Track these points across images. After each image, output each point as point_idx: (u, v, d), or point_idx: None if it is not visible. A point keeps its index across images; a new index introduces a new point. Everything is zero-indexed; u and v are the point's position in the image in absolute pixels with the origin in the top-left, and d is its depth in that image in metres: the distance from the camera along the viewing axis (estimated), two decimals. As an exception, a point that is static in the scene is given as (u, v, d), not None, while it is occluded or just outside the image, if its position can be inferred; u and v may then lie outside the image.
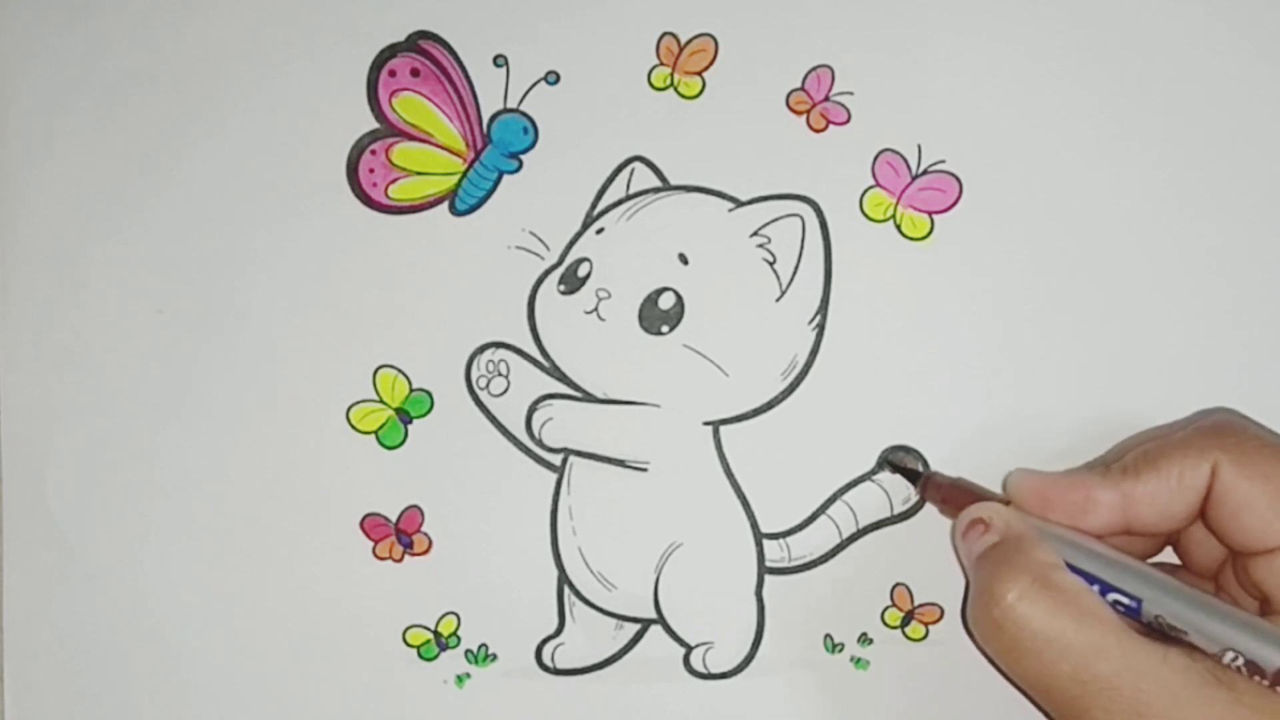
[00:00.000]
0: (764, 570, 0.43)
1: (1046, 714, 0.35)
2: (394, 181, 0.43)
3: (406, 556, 0.43)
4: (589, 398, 0.43)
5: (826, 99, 0.43)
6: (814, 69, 0.43)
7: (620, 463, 0.43)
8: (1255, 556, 0.36)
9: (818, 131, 0.43)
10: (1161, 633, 0.34)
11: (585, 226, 0.43)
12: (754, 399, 0.43)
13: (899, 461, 0.42)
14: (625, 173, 0.43)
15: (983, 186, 0.42)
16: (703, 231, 0.43)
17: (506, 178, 0.43)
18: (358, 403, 0.43)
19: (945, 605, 0.42)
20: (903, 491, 0.42)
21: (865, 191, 0.43)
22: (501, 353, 0.43)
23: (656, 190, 0.43)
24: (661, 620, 0.43)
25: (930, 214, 0.43)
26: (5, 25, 0.44)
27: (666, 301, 0.42)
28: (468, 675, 0.43)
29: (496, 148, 0.43)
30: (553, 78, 0.43)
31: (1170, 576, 0.35)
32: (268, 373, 0.43)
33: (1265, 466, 0.35)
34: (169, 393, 0.43)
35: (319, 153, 0.43)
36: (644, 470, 0.43)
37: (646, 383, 0.43)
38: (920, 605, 0.42)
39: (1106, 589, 0.35)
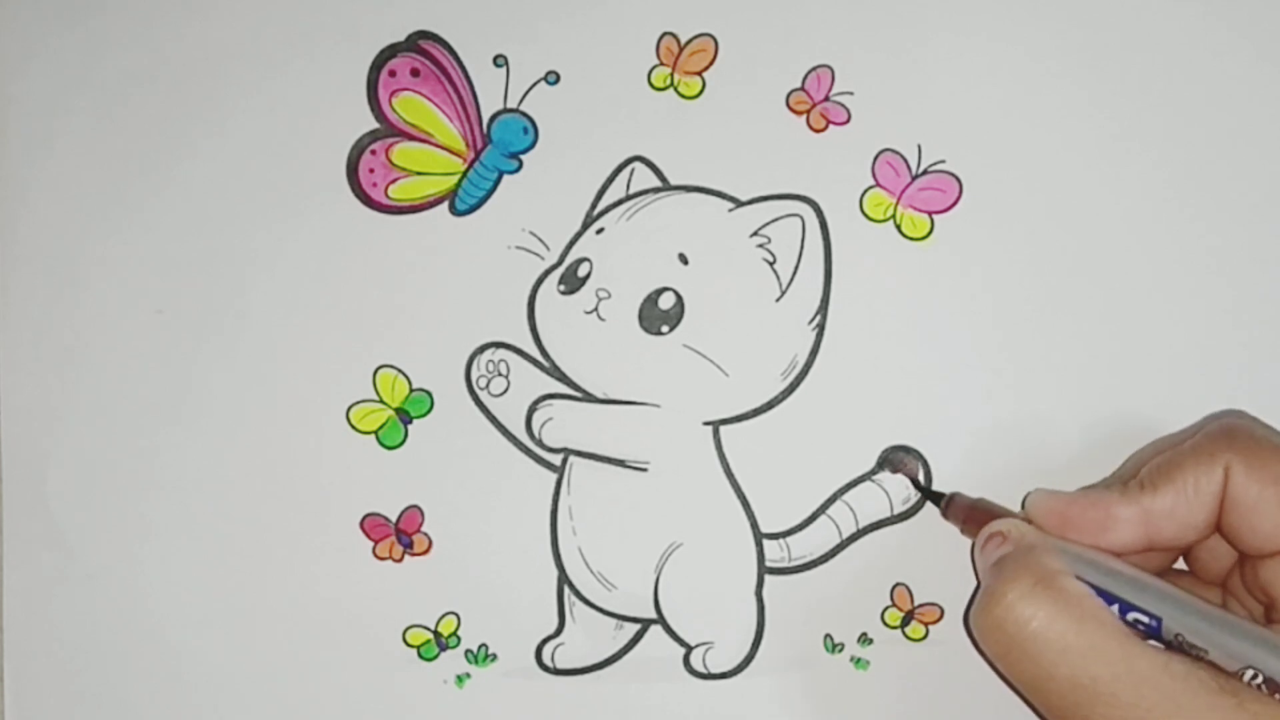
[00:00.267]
0: (764, 570, 0.43)
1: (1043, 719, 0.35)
2: (394, 181, 0.43)
3: (406, 556, 0.43)
4: (589, 398, 0.43)
5: (826, 99, 0.43)
6: (814, 69, 0.43)
7: (620, 463, 0.43)
8: (1264, 559, 0.36)
9: (818, 131, 0.43)
10: (1181, 650, 0.34)
11: (585, 226, 0.43)
12: (754, 399, 0.43)
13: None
14: (625, 173, 0.43)
15: (983, 186, 0.42)
16: (703, 231, 0.43)
17: (506, 178, 0.43)
18: (358, 403, 0.43)
19: (945, 605, 0.42)
20: (903, 492, 0.42)
21: (865, 191, 0.43)
22: (501, 353, 0.43)
23: (656, 190, 0.43)
24: (661, 620, 0.43)
25: (930, 214, 0.43)
26: (5, 25, 0.44)
27: (666, 301, 0.42)
28: (468, 675, 0.43)
29: (496, 148, 0.43)
30: (553, 78, 0.43)
31: (1190, 594, 0.35)
32: (268, 373, 0.43)
33: (1275, 469, 0.35)
34: (169, 393, 0.43)
35: (319, 153, 0.43)
36: (644, 470, 0.43)
37: (646, 383, 0.43)
38: (920, 605, 0.42)
39: (1127, 608, 0.34)
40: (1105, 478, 0.40)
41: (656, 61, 0.43)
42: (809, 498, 0.43)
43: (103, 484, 0.43)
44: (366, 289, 0.43)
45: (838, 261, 0.42)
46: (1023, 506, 0.38)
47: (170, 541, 0.43)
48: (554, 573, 0.43)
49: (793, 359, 0.42)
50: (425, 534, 0.43)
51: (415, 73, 0.43)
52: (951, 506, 0.40)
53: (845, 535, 0.43)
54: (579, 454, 0.43)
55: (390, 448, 0.43)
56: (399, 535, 0.43)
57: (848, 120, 0.43)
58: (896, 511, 0.42)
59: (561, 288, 0.43)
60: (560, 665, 0.43)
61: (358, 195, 0.43)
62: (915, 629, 0.43)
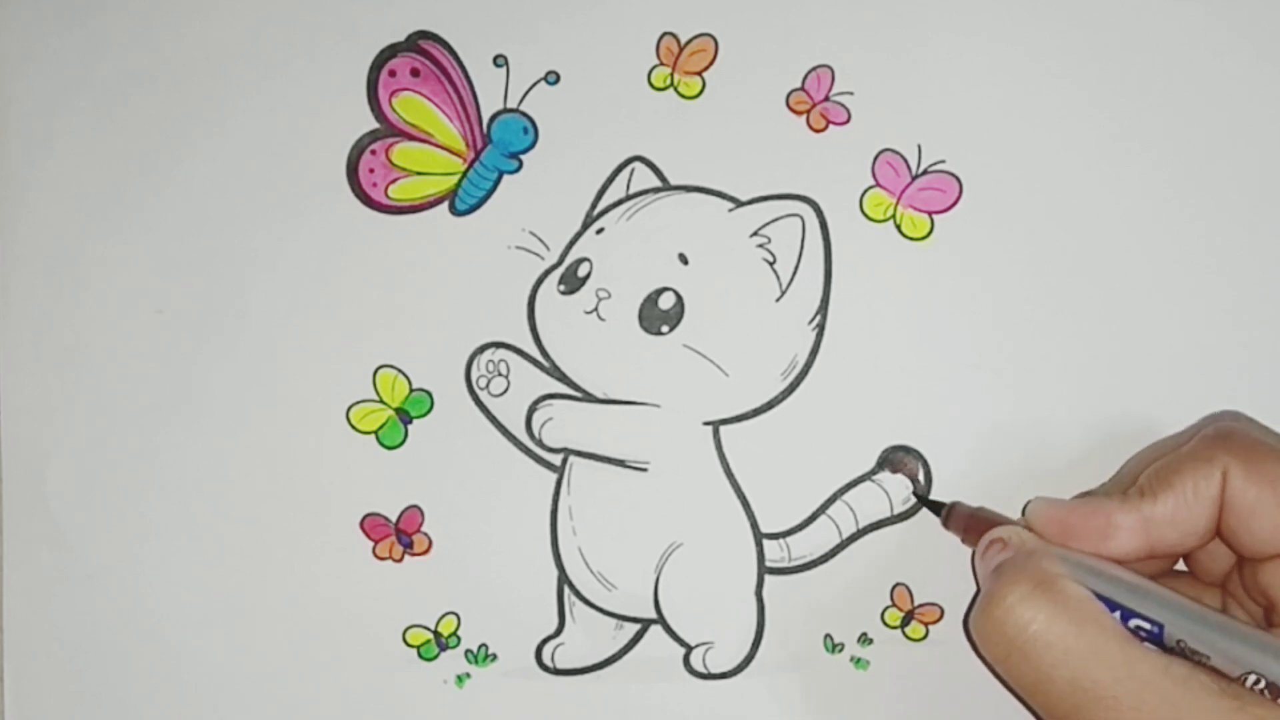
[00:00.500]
0: (764, 570, 0.43)
1: None
2: (394, 181, 0.43)
3: (406, 556, 0.43)
4: (589, 398, 0.43)
5: (826, 99, 0.43)
6: (814, 69, 0.43)
7: (620, 463, 0.43)
8: (1263, 562, 0.36)
9: (818, 131, 0.43)
10: (1183, 656, 0.34)
11: (585, 226, 0.43)
12: (754, 399, 0.43)
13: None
14: (625, 173, 0.43)
15: (983, 186, 0.42)
16: (703, 231, 0.43)
17: (506, 178, 0.43)
18: (358, 403, 0.43)
19: (945, 605, 0.42)
20: (903, 492, 0.42)
21: (865, 191, 0.43)
22: (501, 353, 0.43)
23: (656, 190, 0.43)
24: (661, 620, 0.43)
25: (930, 214, 0.43)
26: (5, 25, 0.44)
27: (666, 301, 0.42)
28: (468, 675, 0.43)
29: (496, 148, 0.43)
30: (553, 78, 0.43)
31: (1191, 599, 0.35)
32: (268, 373, 0.43)
33: (1272, 471, 0.35)
34: (169, 393, 0.43)
35: (319, 153, 0.43)
36: (644, 470, 0.43)
37: (646, 383, 0.43)
38: (920, 605, 0.42)
39: (1129, 615, 0.34)
40: (1103, 484, 0.39)
41: (656, 61, 0.43)
42: (809, 498, 0.43)
43: (103, 484, 0.43)
44: (366, 289, 0.43)
45: (838, 261, 0.42)
46: (1023, 514, 0.38)
47: (170, 541, 0.43)
48: (554, 573, 0.43)
49: (793, 359, 0.42)
50: (425, 534, 0.43)
51: (415, 73, 0.43)
52: (952, 516, 0.40)
53: (845, 535, 0.43)
54: (579, 454, 0.43)
55: (390, 448, 0.43)
56: (399, 535, 0.43)
57: (848, 120, 0.43)
58: (896, 511, 0.42)
59: (561, 288, 0.43)
60: (560, 665, 0.43)
61: (358, 195, 0.43)
62: (915, 629, 0.43)
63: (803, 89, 0.43)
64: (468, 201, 0.43)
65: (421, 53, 0.43)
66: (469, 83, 0.43)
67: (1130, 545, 0.36)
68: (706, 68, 0.43)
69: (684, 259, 0.43)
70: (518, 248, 0.43)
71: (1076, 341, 0.42)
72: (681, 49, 0.43)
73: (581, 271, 0.43)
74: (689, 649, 0.43)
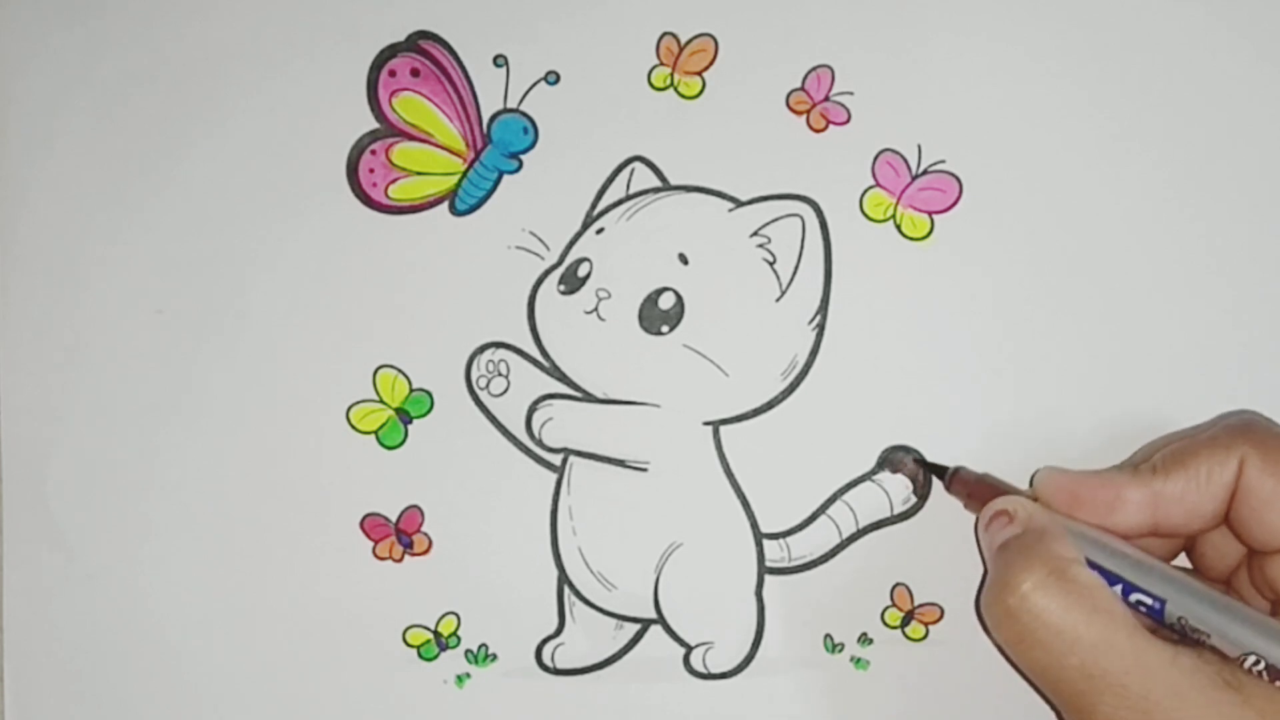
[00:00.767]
0: (764, 570, 0.43)
1: (1053, 706, 0.35)
2: (394, 181, 0.43)
3: (406, 556, 0.43)
4: (589, 398, 0.43)
5: (826, 99, 0.43)
6: (814, 69, 0.43)
7: (620, 463, 0.43)
8: (1272, 555, 0.36)
9: (818, 131, 0.43)
10: (1183, 634, 0.34)
11: (585, 226, 0.43)
12: (754, 399, 0.43)
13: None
14: (625, 173, 0.43)
15: (983, 186, 0.42)
16: (703, 231, 0.43)
17: (506, 178, 0.43)
18: (358, 403, 0.43)
19: (945, 605, 0.42)
20: (903, 492, 0.42)
21: (865, 191, 0.43)
22: (501, 353, 0.43)
23: (656, 190, 0.43)
24: (661, 620, 0.43)
25: (930, 214, 0.43)
26: (5, 25, 0.44)
27: (666, 301, 0.42)
28: (468, 675, 0.43)
29: (496, 148, 0.43)
30: (553, 78, 0.43)
31: (1194, 579, 0.35)
32: (268, 373, 0.43)
33: None
34: (169, 393, 0.43)
35: (319, 153, 0.43)
36: (644, 470, 0.43)
37: (646, 383, 0.43)
38: (920, 605, 0.42)
39: (1130, 589, 0.34)
40: (1115, 465, 0.39)
41: (656, 61, 0.43)
42: (809, 498, 0.43)
43: (103, 484, 0.43)
44: (366, 289, 0.43)
45: (838, 261, 0.42)
46: (1030, 484, 0.38)
47: (170, 541, 0.43)
48: (554, 573, 0.43)
49: (793, 359, 0.42)
50: (425, 534, 0.43)
51: (415, 73, 0.43)
52: (956, 480, 0.40)
53: (845, 535, 0.43)
54: (579, 454, 0.43)
55: (390, 448, 0.43)
56: (399, 535, 0.43)
57: (848, 120, 0.43)
58: (896, 511, 0.42)
59: (561, 288, 0.43)
60: (560, 665, 0.43)
61: (358, 195, 0.43)
62: (915, 629, 0.43)
63: (803, 89, 0.43)
64: (468, 201, 0.43)
65: (421, 53, 0.43)
66: (469, 83, 0.43)
67: (1137, 520, 0.36)
68: (706, 68, 0.43)
69: (684, 259, 0.43)
70: (518, 248, 0.43)
71: (1077, 341, 0.42)
72: (681, 49, 0.43)
73: (581, 271, 0.43)
74: (689, 649, 0.43)
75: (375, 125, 0.43)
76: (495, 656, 0.43)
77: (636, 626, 0.43)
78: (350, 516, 0.43)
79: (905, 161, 0.43)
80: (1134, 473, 0.37)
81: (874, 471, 0.43)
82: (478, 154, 0.43)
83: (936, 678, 0.42)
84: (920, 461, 0.42)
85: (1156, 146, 0.42)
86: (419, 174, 0.43)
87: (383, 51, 0.43)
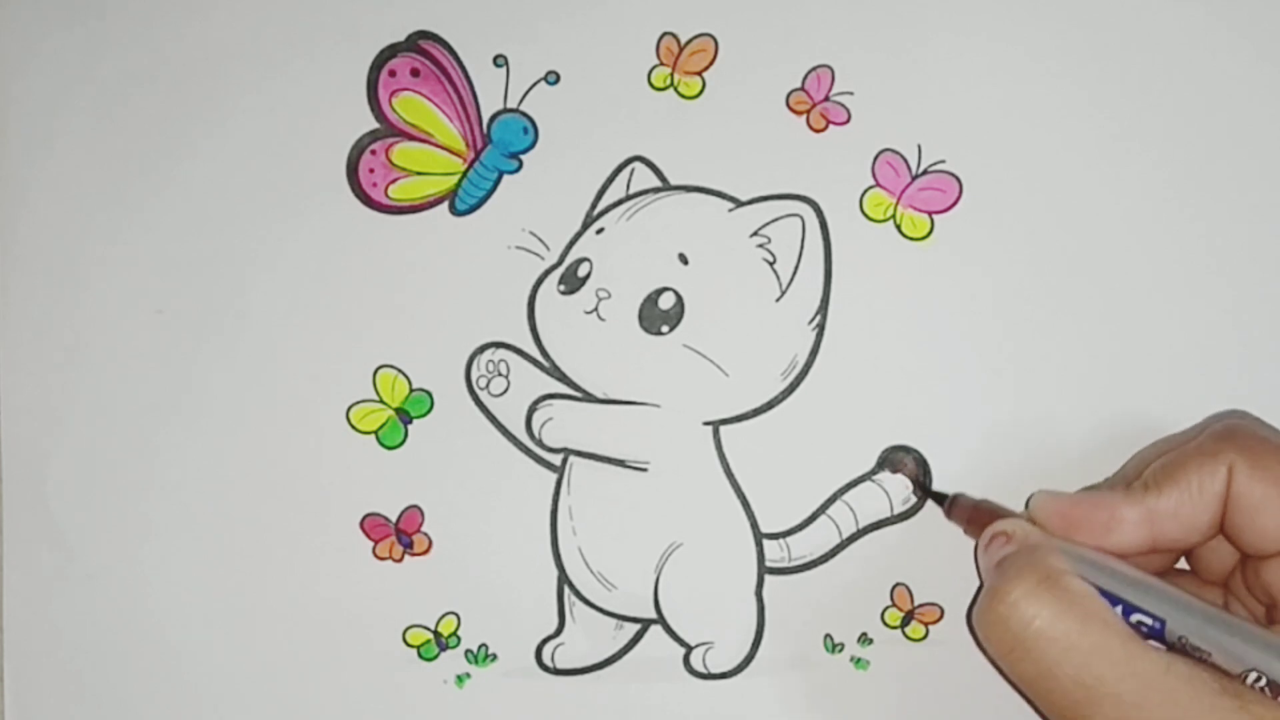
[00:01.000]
0: (764, 570, 0.43)
1: (1045, 718, 0.35)
2: (394, 181, 0.43)
3: (406, 556, 0.43)
4: (589, 398, 0.43)
5: (826, 99, 0.43)
6: (814, 69, 0.43)
7: (620, 463, 0.43)
8: (1266, 560, 0.36)
9: (818, 131, 0.43)
10: (1184, 653, 0.34)
11: (585, 226, 0.43)
12: (754, 399, 0.43)
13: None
14: (625, 173, 0.43)
15: (983, 186, 0.42)
16: (703, 231, 0.43)
17: (506, 178, 0.43)
18: (358, 403, 0.43)
19: (945, 605, 0.42)
20: (903, 492, 0.42)
21: (865, 191, 0.43)
22: (501, 353, 0.43)
23: (656, 190, 0.43)
24: (661, 620, 0.43)
25: (930, 214, 0.43)
26: (5, 25, 0.44)
27: (666, 301, 0.42)
28: (468, 675, 0.43)
29: (496, 148, 0.43)
30: (553, 78, 0.43)
31: (1193, 596, 0.35)
32: (268, 373, 0.43)
33: (1278, 469, 0.35)
34: (169, 393, 0.43)
35: (319, 153, 0.43)
36: (644, 470, 0.43)
37: (646, 383, 0.43)
38: (920, 605, 0.42)
39: (1131, 610, 0.34)
40: (1108, 478, 0.39)
41: (656, 61, 0.43)
42: (809, 498, 0.43)
43: (103, 484, 0.43)
44: (366, 289, 0.43)
45: (838, 261, 0.42)
46: (1026, 507, 0.38)
47: (170, 541, 0.43)
48: (554, 573, 0.43)
49: (793, 359, 0.42)
50: (425, 534, 0.43)
51: (415, 73, 0.43)
52: (955, 507, 0.40)
53: (845, 535, 0.43)
54: (579, 454, 0.43)
55: (390, 448, 0.43)
56: (399, 535, 0.43)
57: (848, 120, 0.43)
58: (896, 511, 0.42)
59: (561, 288, 0.43)
60: (560, 665, 0.43)
61: (358, 195, 0.43)
62: (915, 629, 0.43)
63: (803, 89, 0.43)
64: (468, 201, 0.43)
65: (421, 53, 0.43)
66: (469, 83, 0.43)
67: (1134, 539, 0.36)
68: (706, 68, 0.43)
69: (684, 259, 0.43)
70: (518, 248, 0.43)
71: (1077, 341, 0.42)
72: (681, 49, 0.43)
73: (581, 271, 0.43)
74: (689, 649, 0.43)
75: (375, 125, 0.43)
76: (495, 656, 0.43)
77: (636, 626, 0.43)
78: (350, 516, 0.43)
79: (905, 161, 0.43)
80: (1127, 492, 0.37)
81: (874, 471, 0.43)
82: (478, 154, 0.43)
83: (936, 678, 0.42)
84: (920, 485, 0.42)
85: (1156, 146, 0.42)
86: (419, 174, 0.43)
87: (383, 51, 0.43)
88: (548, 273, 0.43)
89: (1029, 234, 0.42)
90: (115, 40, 0.43)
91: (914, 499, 0.42)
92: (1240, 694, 0.32)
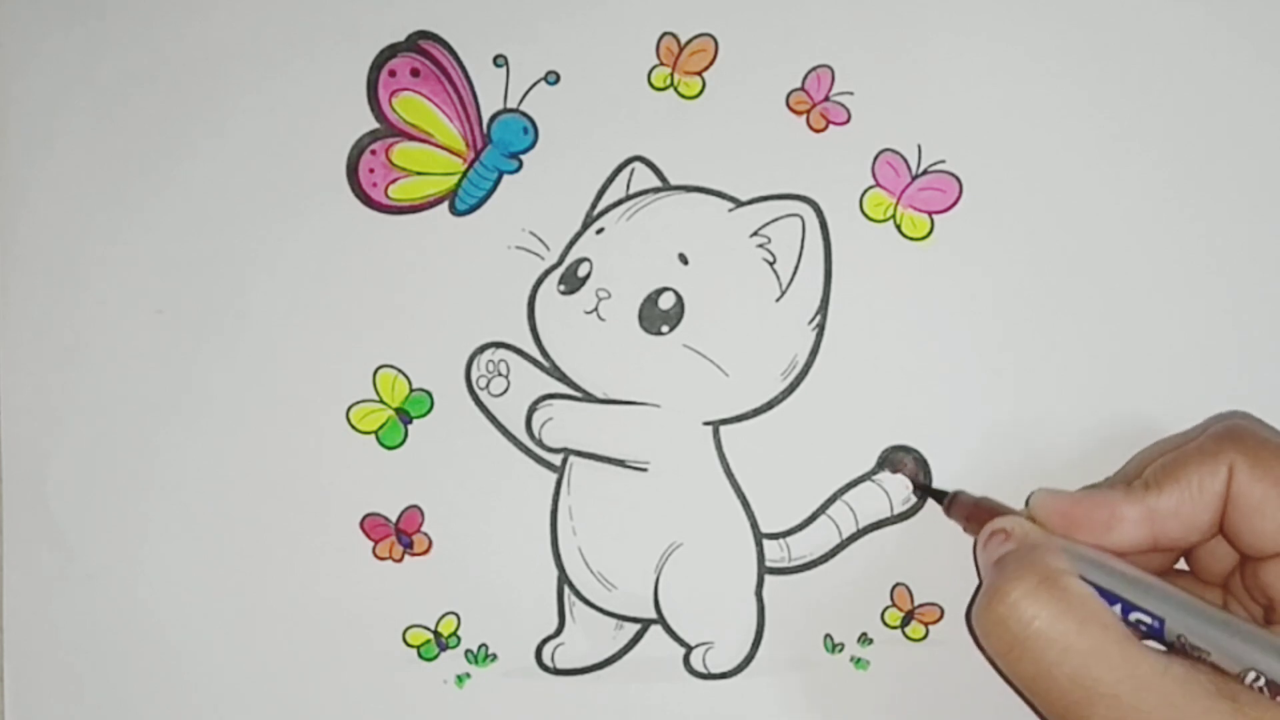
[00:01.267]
0: (764, 570, 0.43)
1: (1044, 718, 0.35)
2: (394, 181, 0.43)
3: (406, 556, 0.43)
4: (589, 398, 0.43)
5: (826, 99, 0.43)
6: (814, 69, 0.43)
7: (620, 463, 0.43)
8: (1265, 561, 0.36)
9: (818, 131, 0.43)
10: (1183, 652, 0.34)
11: (585, 226, 0.43)
12: (754, 399, 0.43)
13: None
14: (625, 173, 0.43)
15: (983, 186, 0.42)
16: (703, 231, 0.43)
17: (506, 178, 0.43)
18: (358, 403, 0.43)
19: (945, 605, 0.42)
20: (903, 492, 0.42)
21: (865, 191, 0.43)
22: (501, 353, 0.43)
23: (656, 190, 0.43)
24: (661, 620, 0.43)
25: (930, 214, 0.43)
26: (5, 25, 0.44)
27: (666, 301, 0.42)
28: (468, 675, 0.43)
29: (496, 148, 0.43)
30: (553, 78, 0.43)
31: (1193, 596, 0.35)
32: (268, 373, 0.43)
33: (1278, 470, 0.35)
34: (169, 393, 0.43)
35: (319, 153, 0.43)
36: (644, 470, 0.43)
37: (646, 383, 0.43)
38: (920, 605, 0.42)
39: (1129, 608, 0.34)
40: (1108, 478, 0.40)
41: (656, 61, 0.43)
42: (809, 498, 0.43)
43: (103, 484, 0.43)
44: (366, 289, 0.43)
45: (838, 261, 0.42)
46: (1026, 505, 0.38)
47: (170, 541, 0.43)
48: (554, 573, 0.43)
49: (793, 359, 0.42)
50: (425, 534, 0.43)
51: (415, 73, 0.43)
52: (955, 504, 0.40)
53: (845, 535, 0.43)
54: (579, 454, 0.43)
55: (390, 448, 0.43)
56: (399, 535, 0.43)
57: (848, 120, 0.43)
58: (896, 511, 0.42)
59: (561, 288, 0.43)
60: (560, 665, 0.43)
61: (358, 195, 0.43)
62: (915, 629, 0.43)
63: (803, 89, 0.43)
64: (468, 201, 0.43)
65: (421, 53, 0.43)
66: (469, 83, 0.43)
67: (1134, 537, 0.36)
68: (706, 68, 0.43)
69: (684, 259, 0.43)
70: (518, 248, 0.43)
71: (1077, 341, 0.42)
72: (681, 49, 0.43)
73: (581, 271, 0.43)
74: (689, 649, 0.43)
75: (375, 125, 0.43)
76: (495, 656, 0.43)
77: (636, 626, 0.43)
78: (350, 516, 0.43)
79: (905, 161, 0.43)
80: (1128, 490, 0.37)
81: (874, 471, 0.43)
82: (478, 154, 0.43)
83: (936, 678, 0.42)
84: (919, 484, 0.42)
85: (1156, 146, 0.42)
86: (419, 174, 0.43)
87: (383, 51, 0.43)
88: (548, 273, 0.43)
89: (1029, 234, 0.42)
90: (115, 40, 0.43)
91: (914, 499, 0.42)
92: (1236, 695, 0.32)
